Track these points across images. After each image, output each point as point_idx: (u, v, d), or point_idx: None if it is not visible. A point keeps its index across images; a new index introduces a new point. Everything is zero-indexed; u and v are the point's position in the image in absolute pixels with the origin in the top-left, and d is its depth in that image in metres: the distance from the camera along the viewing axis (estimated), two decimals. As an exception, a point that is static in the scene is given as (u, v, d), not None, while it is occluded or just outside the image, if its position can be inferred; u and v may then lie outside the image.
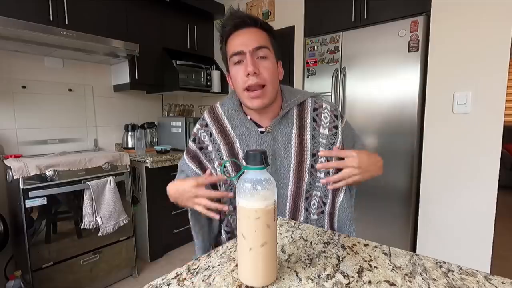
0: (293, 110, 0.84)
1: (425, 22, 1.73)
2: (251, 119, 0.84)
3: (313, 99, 0.86)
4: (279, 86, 0.84)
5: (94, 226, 1.75)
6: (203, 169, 0.87)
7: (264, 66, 0.75)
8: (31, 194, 1.55)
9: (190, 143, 0.90)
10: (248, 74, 0.73)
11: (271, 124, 0.82)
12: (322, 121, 0.83)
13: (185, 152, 0.92)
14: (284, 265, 0.51)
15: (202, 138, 0.87)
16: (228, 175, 0.82)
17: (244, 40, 0.75)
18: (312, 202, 0.82)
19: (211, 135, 0.86)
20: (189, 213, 0.87)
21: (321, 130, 0.82)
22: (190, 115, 3.06)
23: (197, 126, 0.90)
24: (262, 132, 0.82)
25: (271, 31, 0.79)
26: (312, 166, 0.81)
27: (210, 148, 0.86)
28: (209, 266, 0.52)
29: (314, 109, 0.84)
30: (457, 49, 1.65)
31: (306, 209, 0.81)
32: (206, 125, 0.87)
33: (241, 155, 0.82)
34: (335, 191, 0.82)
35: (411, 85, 1.80)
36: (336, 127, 0.83)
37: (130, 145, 2.44)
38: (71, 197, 1.71)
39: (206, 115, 0.89)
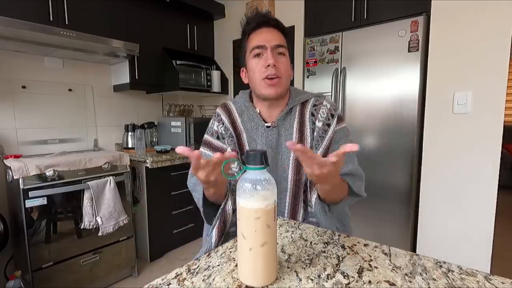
0: (297, 107, 0.91)
1: (425, 22, 1.73)
2: (259, 113, 0.90)
3: (315, 98, 0.91)
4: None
5: (94, 226, 1.75)
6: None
7: (281, 61, 0.84)
8: (31, 194, 1.55)
9: (206, 136, 0.96)
10: (268, 65, 0.81)
11: (276, 119, 0.89)
12: (319, 115, 0.87)
13: (201, 145, 0.97)
14: (284, 265, 0.51)
15: (216, 128, 0.93)
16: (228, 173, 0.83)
17: (266, 37, 0.84)
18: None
19: (223, 124, 0.93)
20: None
21: (317, 123, 0.87)
22: (190, 115, 3.06)
23: (211, 121, 0.97)
24: (268, 127, 0.89)
25: (288, 36, 0.88)
26: None
27: (224, 136, 0.92)
28: (209, 266, 0.52)
29: (314, 105, 0.90)
30: (457, 49, 1.65)
31: (304, 202, 0.85)
32: (220, 118, 0.94)
33: (247, 148, 0.90)
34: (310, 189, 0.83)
35: (411, 85, 1.80)
36: (329, 125, 0.86)
37: (130, 145, 2.44)
38: (71, 197, 1.71)
39: (219, 109, 0.96)
